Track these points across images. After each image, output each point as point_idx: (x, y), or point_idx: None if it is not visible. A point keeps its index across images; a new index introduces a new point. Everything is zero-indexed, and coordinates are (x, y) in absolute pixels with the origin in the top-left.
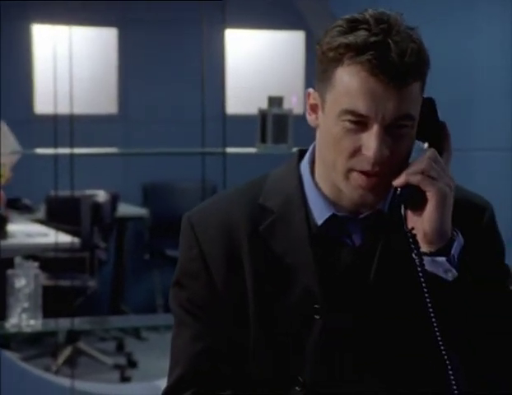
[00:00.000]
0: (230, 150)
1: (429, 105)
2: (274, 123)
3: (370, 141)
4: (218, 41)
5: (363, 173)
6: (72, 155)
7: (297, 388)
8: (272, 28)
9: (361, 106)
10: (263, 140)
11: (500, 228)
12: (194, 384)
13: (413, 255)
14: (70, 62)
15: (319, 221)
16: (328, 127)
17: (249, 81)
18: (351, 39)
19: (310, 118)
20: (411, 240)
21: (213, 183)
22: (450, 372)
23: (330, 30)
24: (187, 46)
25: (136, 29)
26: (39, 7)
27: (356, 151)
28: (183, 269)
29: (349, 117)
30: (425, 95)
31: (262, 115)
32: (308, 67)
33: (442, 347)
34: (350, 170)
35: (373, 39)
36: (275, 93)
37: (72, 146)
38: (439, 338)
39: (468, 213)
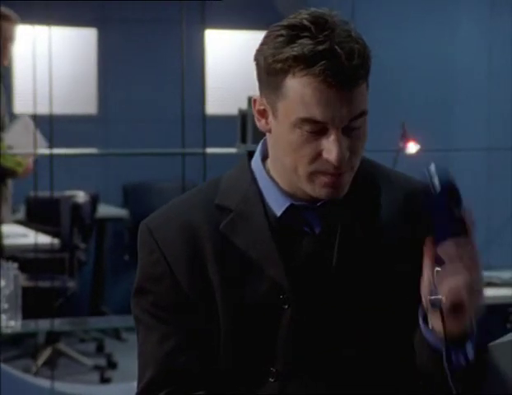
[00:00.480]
0: (210, 150)
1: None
2: (254, 123)
3: (330, 146)
4: (198, 41)
5: (327, 173)
6: (51, 156)
7: (270, 378)
8: (252, 28)
9: (317, 114)
10: (243, 140)
11: (476, 226)
12: (167, 384)
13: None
14: (50, 62)
15: (278, 213)
16: (283, 134)
17: (229, 82)
18: (297, 50)
19: (260, 123)
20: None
21: (193, 183)
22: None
23: (270, 39)
24: (166, 46)
25: (115, 29)
26: (18, 7)
27: (317, 156)
28: (145, 274)
29: (306, 125)
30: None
31: (243, 115)
32: None
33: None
34: (313, 173)
35: (320, 47)
36: (255, 93)
37: (51, 146)
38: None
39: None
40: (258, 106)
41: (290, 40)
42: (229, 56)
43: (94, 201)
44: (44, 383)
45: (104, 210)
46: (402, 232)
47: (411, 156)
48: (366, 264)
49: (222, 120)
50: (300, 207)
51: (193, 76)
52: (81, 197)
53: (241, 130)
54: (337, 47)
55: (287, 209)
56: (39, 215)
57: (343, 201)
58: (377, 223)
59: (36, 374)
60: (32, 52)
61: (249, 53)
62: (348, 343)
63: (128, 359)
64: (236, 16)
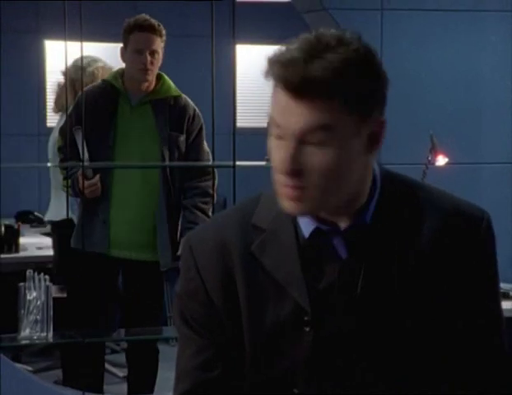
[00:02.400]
0: (239, 163)
1: None
2: None
3: (282, 153)
4: (228, 55)
5: (286, 185)
6: (82, 167)
7: None
8: (281, 42)
9: (276, 116)
10: None
11: (505, 240)
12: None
13: None
14: (81, 78)
15: (306, 235)
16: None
17: (259, 95)
18: (276, 54)
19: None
20: None
21: (223, 196)
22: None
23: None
24: (196, 61)
25: None
26: (51, 23)
27: None
28: (183, 287)
29: (274, 127)
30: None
31: None
32: None
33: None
34: (279, 184)
35: (287, 53)
36: None
37: (83, 159)
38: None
39: (464, 226)
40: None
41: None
42: (259, 70)
43: None
44: (75, 394)
45: None
46: (436, 263)
47: (440, 169)
48: (391, 294)
49: (252, 133)
50: (327, 231)
51: (224, 90)
52: None
53: None
54: (299, 56)
55: (314, 232)
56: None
57: (372, 226)
58: (409, 251)
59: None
60: (64, 67)
61: None
62: (368, 370)
63: (160, 370)
64: (265, 30)
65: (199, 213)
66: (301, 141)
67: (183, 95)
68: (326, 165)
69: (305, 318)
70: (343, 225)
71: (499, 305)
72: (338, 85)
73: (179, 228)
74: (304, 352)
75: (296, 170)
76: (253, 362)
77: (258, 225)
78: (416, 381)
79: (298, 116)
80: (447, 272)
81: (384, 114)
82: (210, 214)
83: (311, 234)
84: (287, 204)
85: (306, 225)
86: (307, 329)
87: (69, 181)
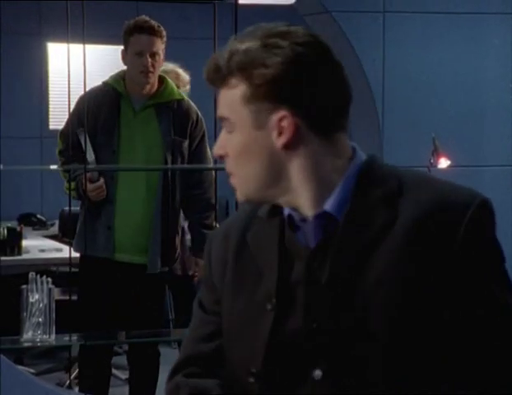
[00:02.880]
0: None
1: None
2: None
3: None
4: None
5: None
6: (85, 171)
7: (251, 379)
8: None
9: None
10: None
11: (506, 241)
12: (186, 366)
13: None
14: (84, 80)
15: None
16: None
17: None
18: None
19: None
20: None
21: (225, 198)
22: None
23: None
24: (198, 63)
25: None
26: (53, 25)
27: None
28: (203, 276)
29: None
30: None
31: None
32: None
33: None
34: None
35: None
36: None
37: (85, 161)
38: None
39: (447, 215)
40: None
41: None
42: None
43: None
44: None
45: None
46: (412, 256)
47: (443, 172)
48: (354, 286)
49: None
50: (298, 220)
51: None
52: None
53: None
54: (228, 46)
55: (289, 220)
56: (73, 229)
57: (342, 216)
58: (380, 243)
59: (70, 387)
60: (67, 69)
61: None
62: (323, 368)
63: (163, 372)
64: None
65: (205, 231)
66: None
67: (186, 98)
68: (233, 154)
69: (271, 300)
70: (310, 214)
71: (503, 295)
72: (224, 76)
73: (178, 240)
74: (263, 333)
75: (217, 155)
76: (224, 340)
77: (260, 215)
78: (375, 376)
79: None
80: (424, 265)
81: (299, 115)
82: (215, 224)
83: (289, 222)
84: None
85: (286, 214)
86: (269, 308)
87: (73, 184)
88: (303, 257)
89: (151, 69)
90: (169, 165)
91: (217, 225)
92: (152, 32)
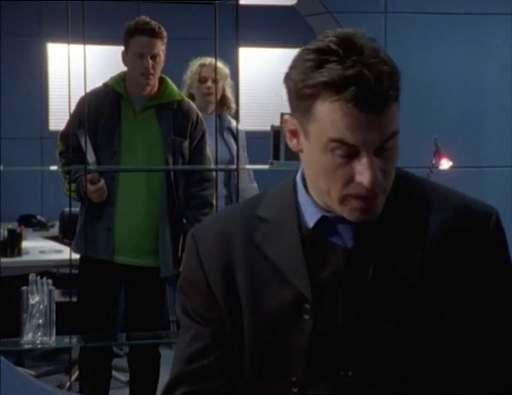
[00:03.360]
0: (243, 166)
1: None
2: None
3: (363, 170)
4: (231, 59)
5: (359, 197)
6: (86, 172)
7: (293, 389)
8: (285, 45)
9: (349, 137)
10: (276, 156)
11: (508, 243)
12: (186, 382)
13: None
14: (84, 81)
15: (311, 224)
16: (315, 156)
17: (262, 99)
18: (326, 75)
19: (291, 143)
20: None
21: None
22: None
23: (299, 63)
24: None
25: None
26: (53, 26)
27: (350, 180)
28: (185, 278)
29: (338, 148)
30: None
31: (275, 132)
32: None
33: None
34: (345, 197)
35: (349, 72)
36: (287, 110)
37: (85, 162)
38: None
39: (473, 221)
40: (289, 126)
41: (319, 65)
42: (262, 73)
43: None
44: None
45: None
46: (444, 258)
47: (444, 173)
48: (399, 288)
49: (255, 137)
50: (333, 220)
51: None
52: None
53: (274, 147)
54: (365, 71)
55: (320, 221)
56: (73, 230)
57: (382, 217)
58: (418, 243)
59: (70, 389)
60: (67, 70)
61: (281, 70)
62: (366, 367)
63: (162, 374)
64: (269, 33)
65: None
66: (376, 150)
67: (187, 99)
68: (394, 168)
69: (306, 306)
70: None
71: None
72: (397, 89)
73: (181, 238)
74: (302, 341)
75: (379, 181)
76: (252, 350)
77: (263, 216)
78: (416, 380)
79: (377, 129)
80: (455, 268)
81: None
82: None
83: (317, 223)
84: (357, 215)
85: (311, 215)
86: (306, 317)
87: (73, 185)
88: (339, 257)
89: (152, 71)
90: (171, 166)
91: None
92: (153, 34)
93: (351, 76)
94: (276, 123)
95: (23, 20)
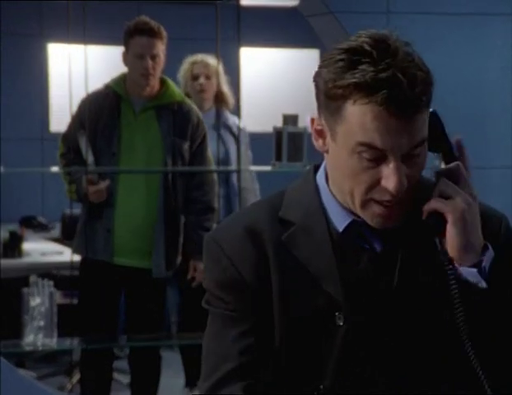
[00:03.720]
0: (245, 166)
1: (434, 118)
2: (289, 141)
3: (389, 175)
4: (233, 59)
5: (381, 202)
6: (87, 173)
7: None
8: (287, 46)
9: (377, 140)
10: (278, 158)
11: None
12: (246, 377)
13: (448, 272)
14: (85, 81)
15: (340, 228)
16: (342, 158)
17: (264, 99)
18: (359, 77)
19: (317, 143)
20: (446, 263)
21: None
22: (470, 380)
23: (330, 63)
24: None
25: None
26: (54, 26)
27: (375, 183)
28: (216, 283)
29: (365, 151)
30: (440, 111)
31: (277, 133)
32: None
33: (469, 356)
34: (368, 201)
35: (382, 75)
36: (290, 111)
37: (86, 164)
38: (469, 350)
39: (485, 225)
40: (315, 126)
41: (351, 66)
42: (264, 74)
43: None
44: None
45: None
46: None
47: None
48: (426, 288)
49: (257, 138)
50: (361, 224)
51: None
52: None
53: (276, 148)
54: (399, 75)
55: (349, 225)
56: (74, 232)
57: (408, 222)
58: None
59: (71, 391)
60: (68, 71)
61: (283, 71)
62: (398, 367)
63: (163, 376)
64: (271, 34)
65: (204, 233)
66: (404, 156)
67: (188, 100)
68: (420, 173)
69: (338, 312)
70: None
71: None
72: (430, 96)
73: (180, 243)
74: (334, 347)
75: (404, 187)
76: (282, 354)
77: (287, 219)
78: (449, 380)
79: (407, 135)
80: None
81: None
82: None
83: (346, 227)
84: (377, 221)
85: (340, 219)
86: (340, 324)
87: (73, 186)
88: (369, 261)
89: (152, 71)
90: (170, 168)
91: None
92: (153, 34)
93: (384, 79)
94: (278, 124)
95: (24, 20)
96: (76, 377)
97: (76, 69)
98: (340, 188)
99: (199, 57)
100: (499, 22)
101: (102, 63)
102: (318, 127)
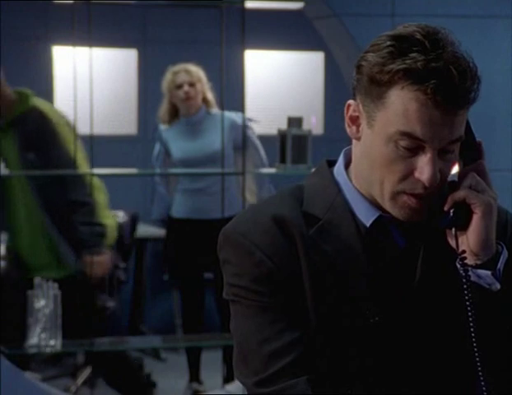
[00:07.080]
0: (249, 169)
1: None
2: (293, 143)
3: (424, 166)
4: (238, 62)
5: (412, 195)
6: (91, 176)
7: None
8: (292, 49)
9: (419, 130)
10: (283, 160)
11: None
12: (304, 370)
13: (459, 267)
14: (90, 83)
15: (367, 223)
16: (377, 145)
17: (269, 102)
18: (409, 63)
19: (350, 129)
20: (459, 256)
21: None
22: (482, 378)
23: (378, 48)
24: (206, 67)
25: (156, 50)
26: (59, 29)
27: (408, 174)
28: (250, 276)
29: (403, 140)
30: None
31: (282, 136)
32: (327, 87)
33: (478, 357)
34: (399, 192)
35: (433, 64)
36: (294, 114)
37: (91, 166)
38: (476, 349)
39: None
40: (351, 112)
41: (401, 52)
42: (268, 76)
43: (134, 220)
44: None
45: (144, 229)
46: None
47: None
48: (447, 284)
49: (262, 140)
50: (387, 219)
51: (233, 97)
52: (120, 216)
53: (280, 150)
54: (451, 66)
55: (376, 219)
56: None
57: (428, 219)
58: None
59: (76, 393)
60: (73, 73)
61: (288, 74)
62: (419, 363)
63: (167, 378)
64: (276, 36)
65: (85, 228)
66: (440, 150)
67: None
68: (449, 173)
69: (371, 309)
70: None
71: None
72: (477, 93)
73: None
74: (364, 342)
75: (437, 181)
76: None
77: (311, 213)
78: (467, 377)
79: (448, 128)
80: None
81: None
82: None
83: (373, 223)
84: (404, 212)
85: (367, 214)
86: (372, 321)
87: None
88: (396, 256)
89: None
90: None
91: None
92: None
93: (435, 69)
94: (283, 126)
95: (29, 22)
96: (81, 379)
97: (82, 72)
98: (367, 179)
99: (180, 66)
100: (505, 25)
101: (107, 66)
102: (354, 114)
